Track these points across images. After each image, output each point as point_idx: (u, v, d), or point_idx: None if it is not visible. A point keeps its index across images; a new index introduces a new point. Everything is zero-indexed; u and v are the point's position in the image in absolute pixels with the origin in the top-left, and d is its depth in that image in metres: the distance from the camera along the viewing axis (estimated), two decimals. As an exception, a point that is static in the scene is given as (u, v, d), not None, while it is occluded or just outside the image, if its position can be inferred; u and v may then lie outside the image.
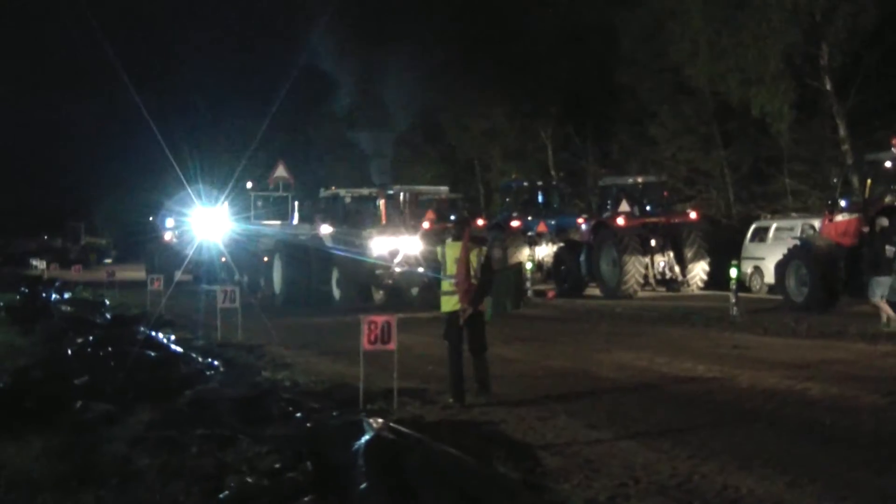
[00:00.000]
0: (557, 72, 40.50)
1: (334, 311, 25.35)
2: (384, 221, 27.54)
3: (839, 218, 22.70)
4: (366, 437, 9.18)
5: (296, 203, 35.67)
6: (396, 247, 26.23)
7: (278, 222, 35.95)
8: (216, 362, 15.01)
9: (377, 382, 12.38)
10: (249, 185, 37.89)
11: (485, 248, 12.84)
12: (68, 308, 25.21)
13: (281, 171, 36.85)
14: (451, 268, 12.18)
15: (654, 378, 14.04)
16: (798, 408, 11.55)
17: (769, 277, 26.73)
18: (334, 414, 10.84)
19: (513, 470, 8.86)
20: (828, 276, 22.03)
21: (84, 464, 8.84)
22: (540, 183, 37.56)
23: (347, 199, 28.85)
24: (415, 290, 26.22)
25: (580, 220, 32.12)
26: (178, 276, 46.05)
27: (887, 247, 18.36)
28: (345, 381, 13.32)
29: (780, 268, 23.69)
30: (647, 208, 30.98)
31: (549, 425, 10.82)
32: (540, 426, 10.75)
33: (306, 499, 7.59)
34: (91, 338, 16.46)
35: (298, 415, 10.91)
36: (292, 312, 25.91)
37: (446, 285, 12.26)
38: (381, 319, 11.61)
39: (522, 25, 41.01)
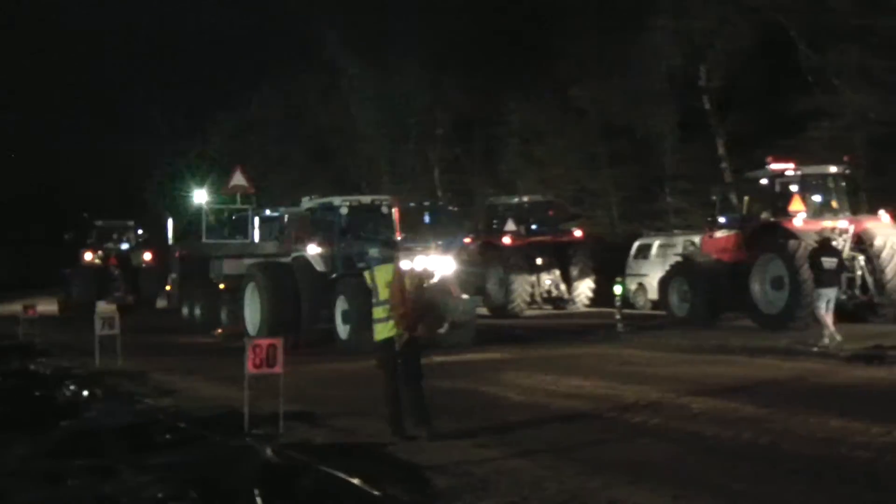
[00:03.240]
0: (444, 93, 40.81)
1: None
2: (399, 236, 22.87)
3: (719, 234, 23.31)
4: (255, 463, 9.08)
5: (256, 217, 30.22)
6: (428, 267, 20.43)
7: (236, 240, 30.23)
8: (96, 391, 14.64)
9: (264, 407, 12.20)
10: (201, 196, 32.12)
11: (418, 271, 12.24)
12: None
13: (239, 179, 30.58)
14: (383, 293, 11.48)
15: (542, 396, 14.15)
16: (682, 421, 11.76)
17: (653, 293, 27.27)
18: (219, 439, 10.68)
19: (403, 492, 8.82)
20: (709, 291, 22.56)
21: (-44, 499, 8.53)
22: (427, 203, 37.65)
23: (344, 210, 22.78)
24: (444, 326, 20.84)
25: (467, 240, 32.32)
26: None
27: (824, 259, 18.36)
28: (231, 406, 13.09)
29: (663, 284, 24.21)
30: (534, 227, 31.36)
31: (437, 446, 10.80)
32: (428, 447, 10.72)
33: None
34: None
35: (183, 442, 10.72)
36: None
37: (379, 312, 11.54)
38: (266, 343, 11.47)
39: (409, 49, 41.24)
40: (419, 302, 11.64)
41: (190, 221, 32.62)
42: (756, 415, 11.88)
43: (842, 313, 21.16)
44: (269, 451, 9.76)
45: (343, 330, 21.37)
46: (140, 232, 41.48)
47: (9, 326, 27.12)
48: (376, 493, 8.54)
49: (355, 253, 22.06)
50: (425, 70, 40.98)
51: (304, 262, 22.65)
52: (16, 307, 27.27)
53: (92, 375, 17.09)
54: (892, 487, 8.59)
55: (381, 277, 11.61)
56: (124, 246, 40.70)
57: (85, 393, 14.27)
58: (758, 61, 30.60)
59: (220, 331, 25.97)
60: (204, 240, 30.03)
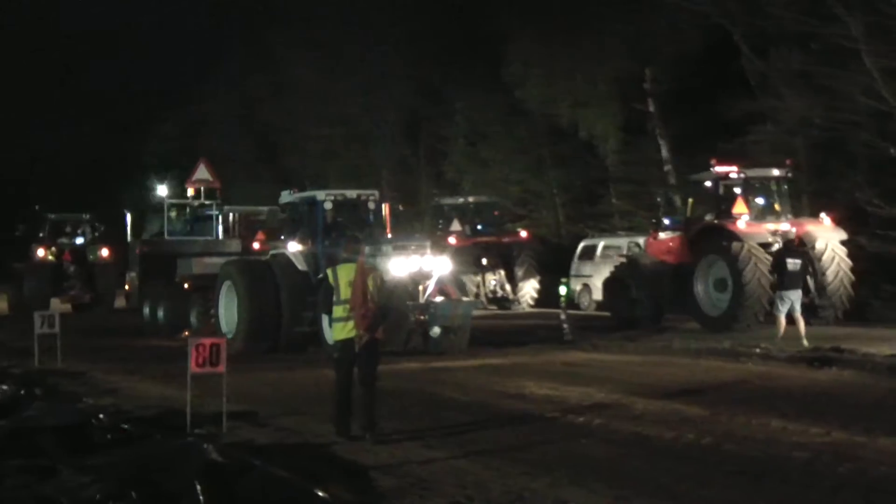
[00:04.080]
0: (392, 94, 40.77)
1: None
2: (389, 233, 21.19)
3: (663, 236, 23.50)
4: (197, 463, 8.99)
5: (219, 215, 28.56)
6: (424, 267, 19.43)
7: (199, 238, 28.73)
8: (35, 390, 14.38)
9: (208, 406, 12.12)
10: (163, 191, 30.36)
11: (380, 271, 11.99)
12: None
13: (203, 173, 28.76)
14: (344, 292, 11.30)
15: (489, 396, 14.19)
16: (626, 422, 11.86)
17: (597, 295, 27.45)
18: (160, 439, 10.57)
19: (346, 491, 8.79)
20: (653, 292, 22.75)
21: None
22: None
23: (328, 205, 20.85)
24: (436, 330, 19.37)
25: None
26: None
27: (789, 260, 18.25)
28: (173, 406, 12.97)
29: (608, 285, 24.37)
30: (479, 228, 31.46)
31: (382, 446, 10.79)
32: (373, 446, 10.72)
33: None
34: None
35: (124, 442, 10.59)
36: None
37: (339, 311, 11.36)
38: (209, 342, 11.39)
39: (359, 49, 41.18)
40: (381, 303, 11.47)
41: (144, 216, 30.70)
42: (699, 416, 12.02)
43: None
44: (211, 451, 9.67)
45: (329, 334, 18.34)
46: (97, 225, 38.15)
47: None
48: (320, 492, 8.49)
49: (340, 251, 19.40)
50: (374, 70, 40.95)
51: (285, 261, 20.99)
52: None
53: (31, 375, 16.75)
54: (830, 487, 8.72)
55: (343, 276, 11.43)
56: (79, 240, 37.34)
57: (23, 392, 14.00)
58: (702, 65, 30.90)
59: (186, 333, 23.32)
60: (166, 236, 28.58)
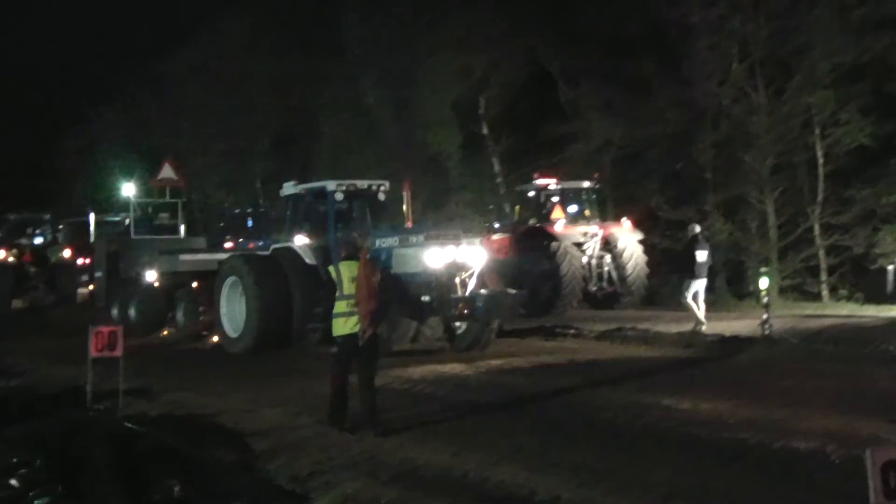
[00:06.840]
0: (267, 115, 40.39)
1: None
2: (410, 223, 17.72)
3: (495, 237, 23.96)
4: (96, 432, 8.90)
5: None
6: (459, 258, 15.48)
7: (167, 236, 25.07)
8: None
9: (108, 384, 11.83)
10: (129, 190, 26.61)
11: (379, 268, 10.55)
12: None
13: (168, 172, 25.69)
14: (347, 287, 9.90)
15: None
16: (462, 391, 12.05)
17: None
18: (64, 413, 10.38)
19: (228, 454, 8.82)
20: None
21: None
22: (250, 210, 37.04)
23: (339, 196, 17.29)
24: (461, 325, 16.33)
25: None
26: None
27: (698, 252, 17.03)
28: (76, 385, 12.62)
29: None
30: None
31: (257, 415, 10.79)
32: (249, 417, 10.69)
33: (39, 490, 7.24)
34: None
35: (32, 416, 10.35)
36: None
37: (342, 306, 9.92)
38: (107, 329, 11.19)
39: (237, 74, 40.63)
40: (383, 299, 10.27)
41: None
42: (521, 384, 12.34)
43: (593, 301, 22.18)
44: (107, 422, 9.57)
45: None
46: (60, 227, 32.29)
47: None
48: (207, 455, 8.51)
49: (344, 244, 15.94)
50: (249, 93, 40.52)
51: (292, 255, 17.22)
52: None
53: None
54: (632, 435, 9.15)
55: (345, 272, 10.05)
56: (38, 241, 31.88)
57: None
58: (526, 94, 31.65)
59: (166, 332, 20.48)
60: (133, 235, 25.21)
